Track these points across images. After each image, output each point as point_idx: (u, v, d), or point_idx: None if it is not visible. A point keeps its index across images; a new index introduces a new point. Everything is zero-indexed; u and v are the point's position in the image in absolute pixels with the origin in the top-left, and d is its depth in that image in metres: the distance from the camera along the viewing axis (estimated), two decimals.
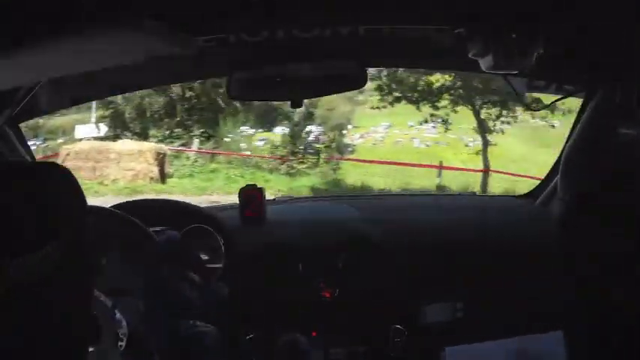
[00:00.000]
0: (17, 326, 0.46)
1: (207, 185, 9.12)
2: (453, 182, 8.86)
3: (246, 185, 1.68)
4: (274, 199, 1.97)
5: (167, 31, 0.93)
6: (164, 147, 9.20)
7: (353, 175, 9.94)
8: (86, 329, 0.53)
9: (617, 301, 1.00)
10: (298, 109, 7.58)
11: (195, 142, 10.03)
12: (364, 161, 10.05)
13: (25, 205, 0.49)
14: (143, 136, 9.78)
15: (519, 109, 8.49)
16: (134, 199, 1.77)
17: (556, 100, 1.58)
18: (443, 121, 9.12)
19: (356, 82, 1.39)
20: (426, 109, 8.95)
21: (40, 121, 9.12)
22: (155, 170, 8.58)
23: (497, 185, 8.41)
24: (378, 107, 9.23)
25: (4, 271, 0.44)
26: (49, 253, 0.47)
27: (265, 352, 1.50)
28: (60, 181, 0.53)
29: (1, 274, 0.44)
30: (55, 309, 0.49)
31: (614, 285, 1.01)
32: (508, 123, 8.87)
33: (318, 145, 10.25)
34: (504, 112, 8.62)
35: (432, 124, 9.88)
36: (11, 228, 0.47)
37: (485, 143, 9.09)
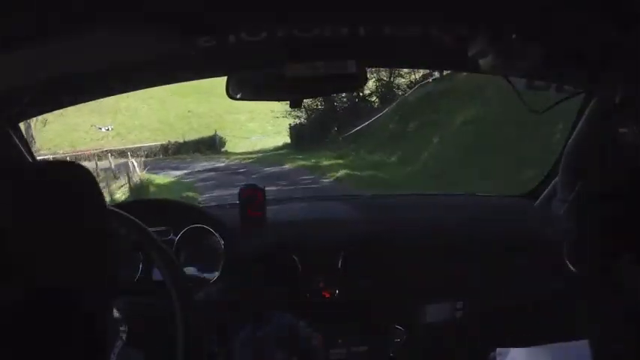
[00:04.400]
0: (41, 331, 0.45)
1: None
2: None
3: (247, 185, 1.68)
4: (275, 199, 1.97)
5: (167, 31, 0.93)
6: None
7: None
8: (107, 331, 0.52)
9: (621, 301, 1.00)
10: None
11: None
12: None
13: (51, 206, 0.48)
14: None
15: None
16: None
17: (558, 102, 1.58)
18: None
19: (356, 82, 1.39)
20: None
21: None
22: None
23: None
24: None
25: (30, 276, 0.44)
26: (73, 255, 0.47)
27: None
28: (84, 182, 0.52)
29: (27, 278, 0.43)
30: (78, 312, 0.49)
31: (616, 286, 1.00)
32: None
33: None
34: None
35: None
36: (38, 231, 0.46)
37: None
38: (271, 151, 19.16)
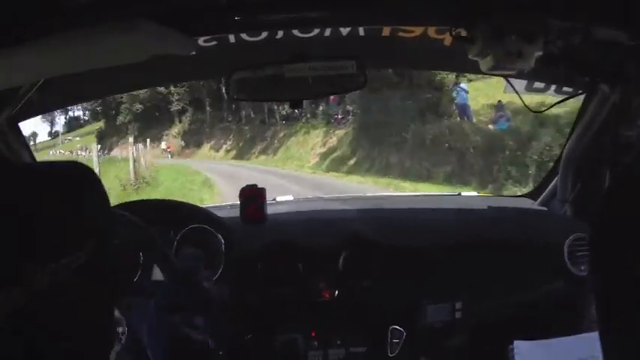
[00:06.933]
0: (36, 333, 0.45)
1: None
2: None
3: (247, 185, 1.67)
4: (275, 200, 1.97)
5: (167, 31, 0.93)
6: None
7: None
8: (106, 335, 0.51)
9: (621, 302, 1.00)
10: None
11: None
12: None
13: (53, 209, 0.47)
14: None
15: None
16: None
17: (558, 102, 1.58)
18: None
19: (356, 83, 1.39)
20: None
21: None
22: None
23: None
24: None
25: (30, 279, 0.43)
26: (75, 259, 0.46)
27: (264, 353, 1.50)
28: (88, 184, 0.51)
29: (28, 282, 0.42)
30: (75, 315, 0.48)
31: (616, 286, 1.00)
32: None
33: None
34: None
35: None
36: (38, 234, 0.45)
37: None
38: None
